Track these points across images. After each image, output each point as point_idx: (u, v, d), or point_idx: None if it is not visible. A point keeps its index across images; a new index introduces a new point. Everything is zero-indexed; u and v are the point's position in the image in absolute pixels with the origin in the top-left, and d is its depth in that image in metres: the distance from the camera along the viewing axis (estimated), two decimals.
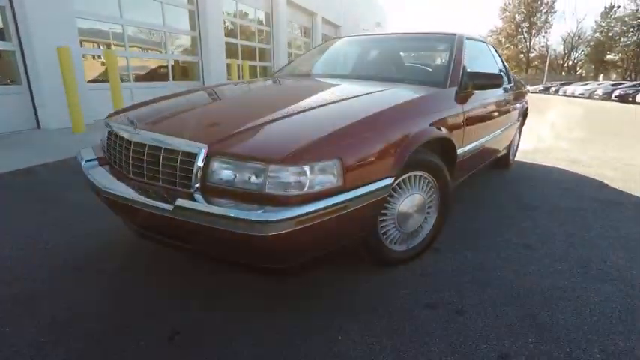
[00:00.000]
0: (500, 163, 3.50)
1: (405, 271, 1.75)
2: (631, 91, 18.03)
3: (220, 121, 1.42)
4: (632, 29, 39.83)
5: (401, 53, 2.63)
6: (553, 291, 1.63)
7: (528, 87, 4.58)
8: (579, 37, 46.13)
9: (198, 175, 1.24)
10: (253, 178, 1.19)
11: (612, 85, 21.64)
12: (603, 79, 38.18)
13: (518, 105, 3.37)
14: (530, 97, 4.28)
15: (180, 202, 1.18)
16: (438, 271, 1.77)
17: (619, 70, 43.08)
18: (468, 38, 2.56)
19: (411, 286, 1.63)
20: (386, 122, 1.46)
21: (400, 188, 1.65)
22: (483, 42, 3.05)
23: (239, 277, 1.67)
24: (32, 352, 1.21)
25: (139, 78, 7.09)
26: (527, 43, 47.35)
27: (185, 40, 8.49)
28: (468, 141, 2.10)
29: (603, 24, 42.57)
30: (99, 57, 6.28)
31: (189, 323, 1.36)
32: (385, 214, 1.62)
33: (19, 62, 4.93)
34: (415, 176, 1.70)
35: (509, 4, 47.19)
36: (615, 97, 18.87)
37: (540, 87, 29.93)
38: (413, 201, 1.71)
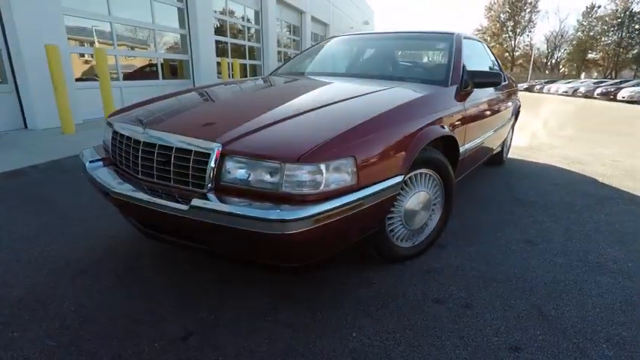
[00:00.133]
0: (494, 160, 3.56)
1: (411, 267, 1.78)
2: (612, 89, 18.52)
3: (232, 120, 1.41)
4: (612, 28, 40.94)
5: (401, 52, 2.65)
6: (556, 284, 1.67)
7: None
8: (562, 36, 47.21)
9: (212, 174, 1.23)
10: (268, 177, 1.19)
11: (594, 83, 22.21)
12: (585, 78, 39.13)
13: (511, 103, 3.43)
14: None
15: (195, 201, 1.17)
16: (443, 267, 1.80)
17: (600, 68, 44.21)
18: (465, 37, 2.60)
19: (419, 283, 1.65)
20: (396, 120, 1.48)
21: (407, 186, 1.66)
22: (479, 41, 3.10)
23: (246, 276, 1.66)
24: (43, 358, 1.19)
25: (128, 77, 6.96)
26: (512, 42, 48.19)
27: (175, 38, 8.38)
28: (468, 138, 2.14)
29: (585, 23, 43.64)
30: (85, 55, 6.15)
31: (202, 324, 1.36)
32: (392, 212, 1.63)
33: (5, 60, 4.80)
34: (421, 174, 1.72)
35: (494, 3, 47.96)
36: (598, 94, 19.36)
37: (525, 85, 30.48)
38: (419, 198, 1.74)
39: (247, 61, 11.35)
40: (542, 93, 26.43)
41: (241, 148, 1.23)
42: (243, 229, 1.15)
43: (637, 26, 39.20)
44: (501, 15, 47.51)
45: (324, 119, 1.42)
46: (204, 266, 1.74)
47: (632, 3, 39.58)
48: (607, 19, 41.32)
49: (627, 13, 39.38)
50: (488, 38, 47.91)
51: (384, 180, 1.37)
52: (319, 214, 1.14)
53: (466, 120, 2.08)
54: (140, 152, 1.40)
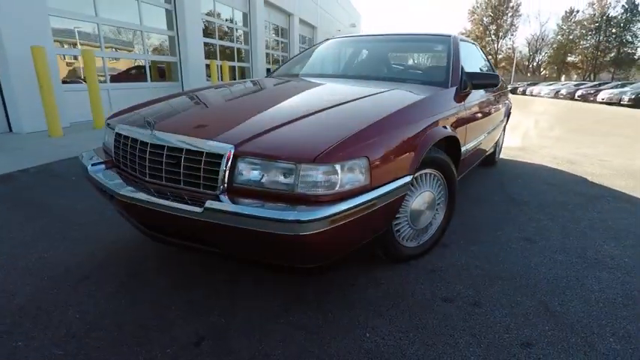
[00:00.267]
0: (487, 160, 3.62)
1: (417, 267, 1.79)
2: (592, 91, 19.07)
3: (242, 121, 1.39)
4: (590, 32, 42.22)
5: (401, 54, 2.67)
6: (559, 281, 1.70)
7: None
8: (543, 39, 48.44)
9: (225, 176, 1.22)
10: (283, 178, 1.19)
11: (575, 85, 22.82)
12: (565, 80, 40.21)
13: (504, 104, 3.50)
14: None
15: (210, 203, 1.15)
16: (447, 266, 1.82)
17: (579, 71, 45.49)
18: (461, 39, 2.64)
19: (426, 282, 1.67)
20: (406, 121, 1.49)
21: (412, 186, 1.68)
22: (472, 43, 3.15)
23: (255, 277, 1.65)
24: None
25: (115, 79, 6.83)
26: (495, 45, 49.14)
27: (163, 40, 8.27)
28: (469, 139, 2.17)
29: (564, 27, 44.88)
30: (65, 57, 6.01)
31: (213, 328, 1.34)
32: (399, 212, 1.64)
33: None
34: (426, 174, 1.74)
35: (478, 7, 48.90)
36: (578, 96, 19.89)
37: (509, 87, 31.09)
38: (424, 198, 1.75)
39: (236, 64, 11.29)
40: (526, 95, 27.03)
41: (254, 149, 1.22)
42: (259, 231, 1.13)
43: (614, 30, 40.53)
44: (484, 19, 48.47)
45: (335, 119, 1.43)
46: (211, 268, 1.72)
47: (608, 8, 40.96)
48: (585, 23, 42.61)
49: (604, 17, 40.70)
50: None
51: (395, 180, 1.38)
52: (336, 214, 1.14)
53: (466, 121, 2.11)
54: (147, 154, 1.37)
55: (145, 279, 1.64)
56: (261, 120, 1.40)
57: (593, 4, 42.16)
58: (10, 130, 4.93)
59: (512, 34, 48.68)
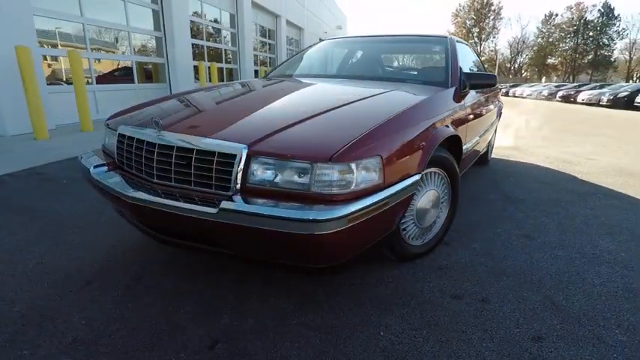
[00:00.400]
0: (480, 159, 3.68)
1: (422, 265, 1.80)
2: (573, 92, 19.64)
3: (251, 121, 1.38)
4: (569, 35, 43.51)
5: (400, 55, 2.70)
6: (561, 276, 1.74)
7: None
8: (524, 42, 49.69)
9: (238, 176, 1.20)
10: (298, 178, 1.18)
11: (556, 86, 23.46)
12: (545, 82, 41.30)
13: (496, 104, 3.57)
14: None
15: (225, 204, 1.13)
16: (452, 263, 1.84)
17: (559, 72, 46.81)
18: (457, 41, 2.68)
19: (433, 280, 1.68)
20: (415, 119, 1.50)
21: (418, 185, 1.69)
22: (465, 44, 3.20)
23: (263, 278, 1.63)
24: None
25: (101, 80, 6.69)
26: (478, 47, 50.11)
27: (149, 41, 8.14)
28: (468, 138, 2.20)
29: (544, 30, 46.16)
30: (47, 58, 5.85)
31: (226, 330, 1.32)
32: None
33: None
34: (431, 173, 1.75)
35: (461, 10, 49.82)
36: (559, 97, 20.45)
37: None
38: (429, 197, 1.77)
39: (224, 65, 11.19)
40: (509, 96, 27.64)
41: (268, 148, 1.21)
42: (275, 231, 1.12)
43: (591, 33, 41.89)
44: (467, 21, 49.42)
45: (346, 119, 1.43)
46: (217, 269, 1.69)
47: (585, 12, 42.31)
48: (564, 26, 43.95)
49: (582, 21, 42.03)
50: None
51: (405, 178, 1.39)
52: (353, 213, 1.13)
53: (465, 120, 2.14)
54: (155, 155, 1.35)
55: (150, 283, 1.60)
56: (271, 119, 1.38)
57: (571, 7, 43.51)
58: None
59: (494, 37, 49.80)
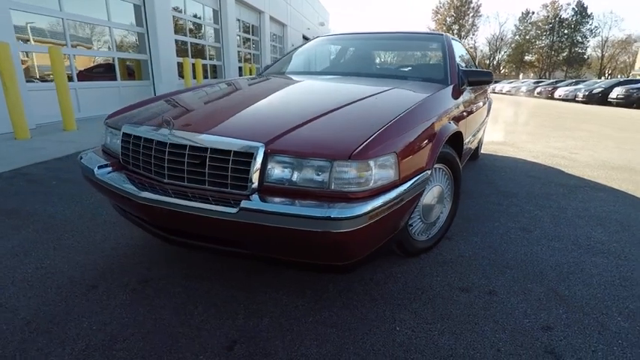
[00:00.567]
0: (472, 154, 3.75)
1: (428, 260, 1.83)
2: (550, 89, 20.26)
3: (267, 118, 1.37)
4: (545, 33, 44.75)
5: (400, 52, 2.71)
6: (561, 267, 1.80)
7: None
8: (502, 39, 50.74)
9: (256, 175, 1.19)
10: (316, 176, 1.18)
11: (534, 83, 24.13)
12: (523, 78, 42.43)
13: (487, 100, 3.65)
14: None
15: (246, 203, 1.12)
16: (456, 257, 1.87)
17: (536, 69, 48.09)
18: (452, 39, 2.72)
19: (440, 274, 1.71)
20: (424, 117, 1.52)
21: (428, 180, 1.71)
22: (457, 41, 3.25)
23: (274, 276, 1.62)
24: None
25: (83, 77, 6.48)
26: None
27: (132, 37, 7.92)
28: (467, 133, 2.25)
29: (521, 28, 47.30)
30: (22, 53, 5.64)
31: (243, 330, 1.31)
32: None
33: None
34: (436, 168, 1.78)
35: (441, 7, 50.45)
36: (537, 93, 21.06)
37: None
38: (434, 192, 1.79)
39: (207, 62, 11.01)
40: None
41: (285, 147, 1.20)
42: (296, 229, 1.12)
43: (566, 31, 43.20)
44: (447, 18, 50.10)
45: (359, 116, 1.43)
46: (224, 267, 1.68)
47: (560, 10, 43.58)
48: (540, 24, 45.17)
49: (557, 19, 43.29)
50: None
51: (417, 174, 1.40)
52: (373, 210, 1.14)
53: (464, 116, 2.18)
54: (166, 155, 1.32)
55: (158, 285, 1.57)
56: (284, 117, 1.38)
57: (547, 6, 44.73)
58: None
59: (473, 34, 50.64)
